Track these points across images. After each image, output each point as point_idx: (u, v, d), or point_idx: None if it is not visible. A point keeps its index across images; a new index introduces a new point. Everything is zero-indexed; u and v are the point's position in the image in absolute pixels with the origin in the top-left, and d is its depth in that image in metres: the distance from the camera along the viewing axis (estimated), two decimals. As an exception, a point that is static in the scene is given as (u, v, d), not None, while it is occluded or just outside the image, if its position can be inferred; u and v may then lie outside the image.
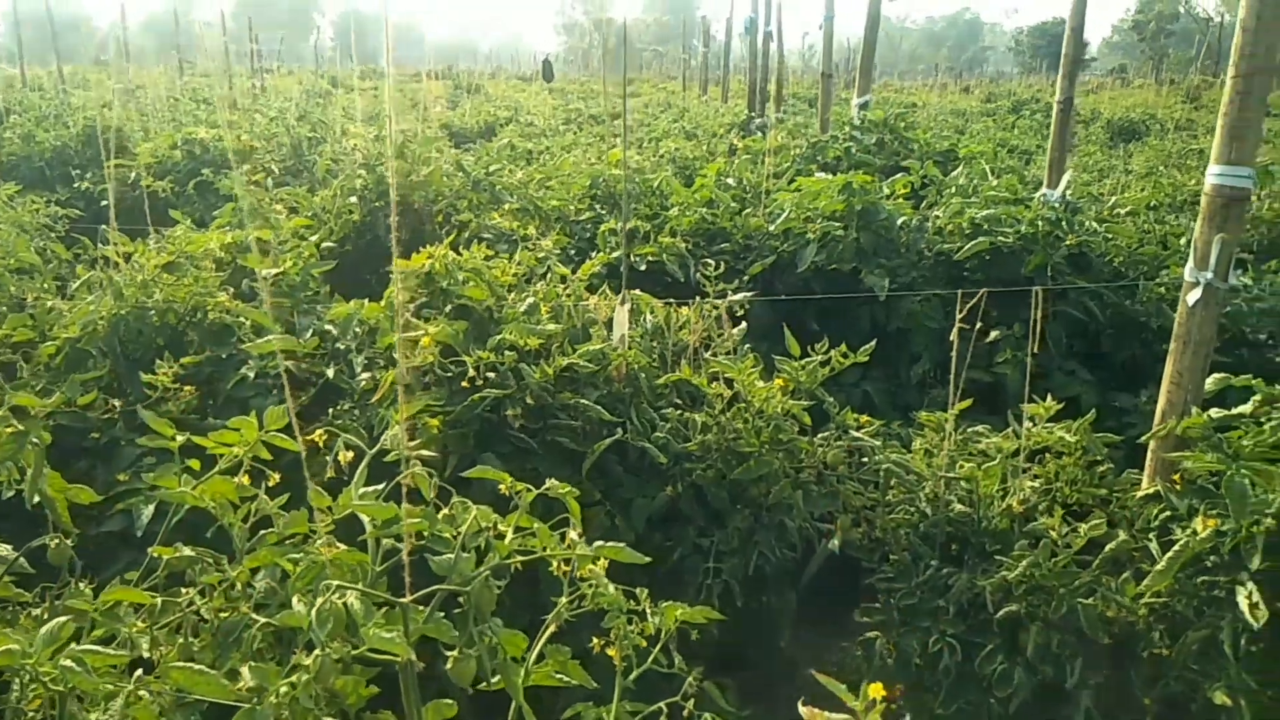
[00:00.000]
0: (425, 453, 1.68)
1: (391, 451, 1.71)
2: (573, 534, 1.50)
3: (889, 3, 5.52)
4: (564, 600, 1.67)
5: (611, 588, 1.71)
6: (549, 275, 3.09)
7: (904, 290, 3.81)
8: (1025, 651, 2.33)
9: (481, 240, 4.04)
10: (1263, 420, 2.52)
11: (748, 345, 3.02)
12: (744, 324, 3.18)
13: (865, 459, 2.73)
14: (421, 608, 1.38)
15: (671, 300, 3.16)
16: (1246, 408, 2.53)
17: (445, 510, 1.45)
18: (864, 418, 2.97)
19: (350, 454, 1.63)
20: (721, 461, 2.61)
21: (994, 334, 3.79)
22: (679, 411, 2.72)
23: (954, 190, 4.29)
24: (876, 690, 1.14)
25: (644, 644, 1.75)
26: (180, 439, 1.67)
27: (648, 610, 1.77)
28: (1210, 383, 2.66)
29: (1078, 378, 3.78)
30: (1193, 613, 2.36)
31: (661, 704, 1.61)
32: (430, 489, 1.59)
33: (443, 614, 1.44)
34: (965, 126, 11.78)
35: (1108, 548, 2.54)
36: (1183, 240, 4.12)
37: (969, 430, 2.90)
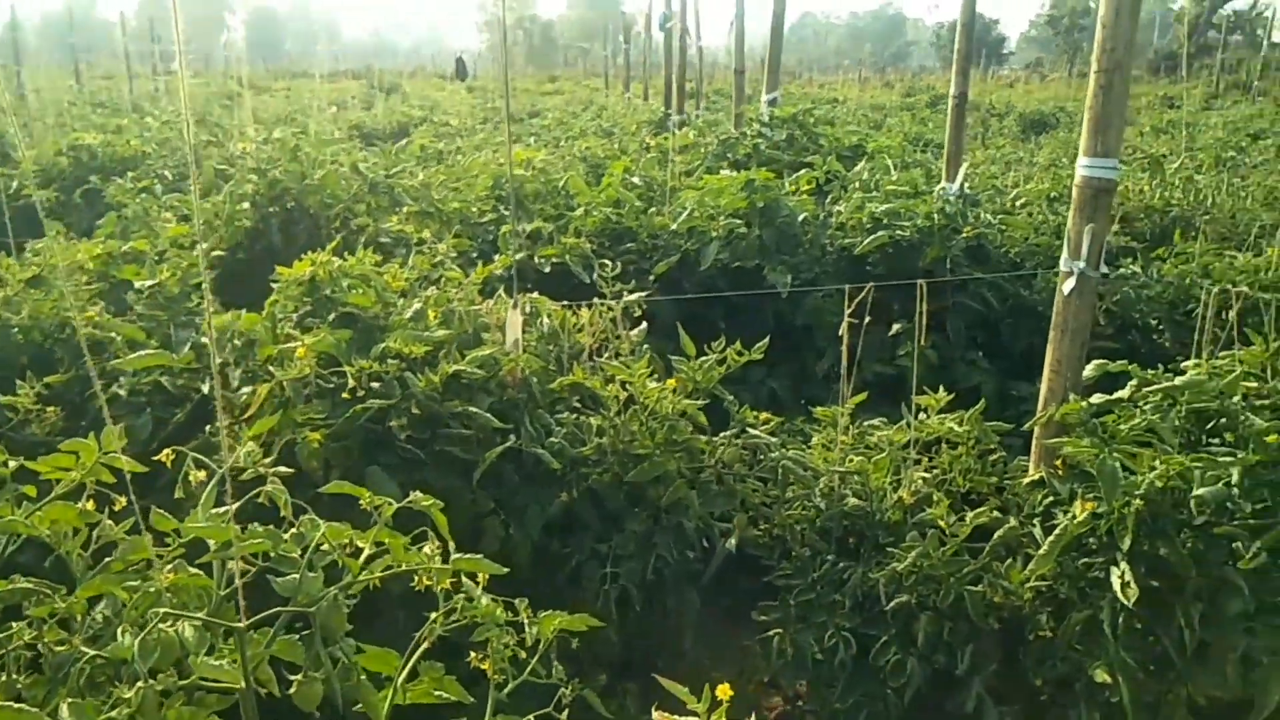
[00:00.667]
0: (281, 469, 1.62)
1: (247, 470, 1.65)
2: (429, 547, 1.45)
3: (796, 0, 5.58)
4: (436, 615, 1.63)
5: (485, 600, 1.68)
6: (442, 280, 3.03)
7: (808, 286, 3.84)
8: (918, 641, 2.36)
9: (380, 245, 3.95)
10: (1139, 404, 2.60)
11: (646, 346, 3.01)
12: (644, 324, 3.17)
13: (763, 457, 2.74)
14: (268, 631, 1.32)
15: (573, 302, 3.12)
16: (1124, 393, 2.60)
17: (296, 529, 1.39)
18: (764, 415, 2.98)
19: (202, 474, 1.56)
20: (618, 465, 2.59)
21: (896, 327, 3.85)
22: (575, 416, 2.68)
23: (857, 186, 4.35)
24: (724, 691, 1.13)
25: (525, 655, 1.72)
26: (13, 464, 1.58)
27: (526, 621, 1.74)
28: (1089, 369, 2.73)
29: (978, 367, 3.85)
30: (1076, 594, 2.42)
31: (531, 716, 1.57)
32: (286, 507, 1.54)
33: (295, 636, 1.39)
34: (883, 121, 12.00)
35: (996, 535, 2.59)
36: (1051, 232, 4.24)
37: (865, 424, 2.93)
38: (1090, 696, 2.38)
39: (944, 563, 2.36)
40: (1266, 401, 2.37)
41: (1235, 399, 2.31)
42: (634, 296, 3.00)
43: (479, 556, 1.47)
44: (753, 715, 2.81)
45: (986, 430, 2.91)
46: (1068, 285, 2.50)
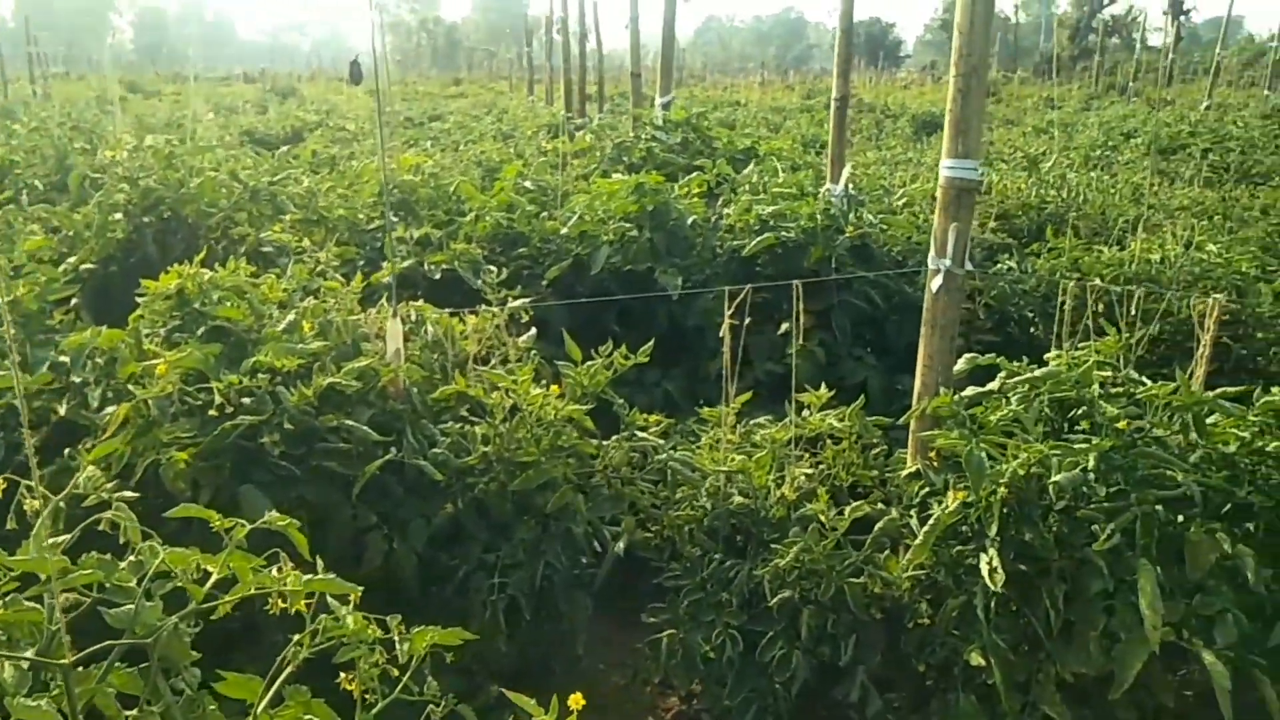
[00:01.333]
0: (126, 494, 1.55)
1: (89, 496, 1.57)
2: (284, 568, 1.41)
3: (684, 4, 5.63)
4: (301, 637, 1.59)
5: (351, 619, 1.64)
6: (321, 290, 2.96)
7: (699, 287, 3.88)
8: (802, 635, 2.41)
9: (262, 254, 3.83)
10: (1008, 395, 2.71)
11: (534, 351, 2.99)
12: (533, 330, 3.15)
13: (650, 459, 2.75)
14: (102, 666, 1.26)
15: (461, 309, 3.08)
16: (994, 384, 2.71)
17: (135, 556, 1.33)
18: (654, 417, 3.00)
19: (37, 503, 1.48)
20: (504, 473, 2.56)
21: (785, 326, 3.92)
22: (460, 425, 2.65)
23: (746, 188, 4.41)
24: (576, 701, 1.12)
25: (398, 673, 1.69)
26: None
27: (397, 638, 1.71)
28: (960, 364, 2.83)
29: (865, 363, 3.96)
30: (953, 582, 2.51)
31: (398, 736, 1.54)
32: (135, 533, 1.47)
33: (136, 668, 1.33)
34: (782, 123, 12.22)
35: (877, 526, 2.66)
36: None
37: (751, 423, 2.97)
38: (968, 679, 2.47)
39: (825, 557, 2.41)
40: (1120, 389, 2.50)
41: (1091, 388, 2.42)
42: (518, 303, 2.98)
43: (332, 576, 1.43)
44: (650, 718, 2.85)
45: (868, 425, 2.99)
46: (935, 283, 2.59)
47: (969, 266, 2.59)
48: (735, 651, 2.44)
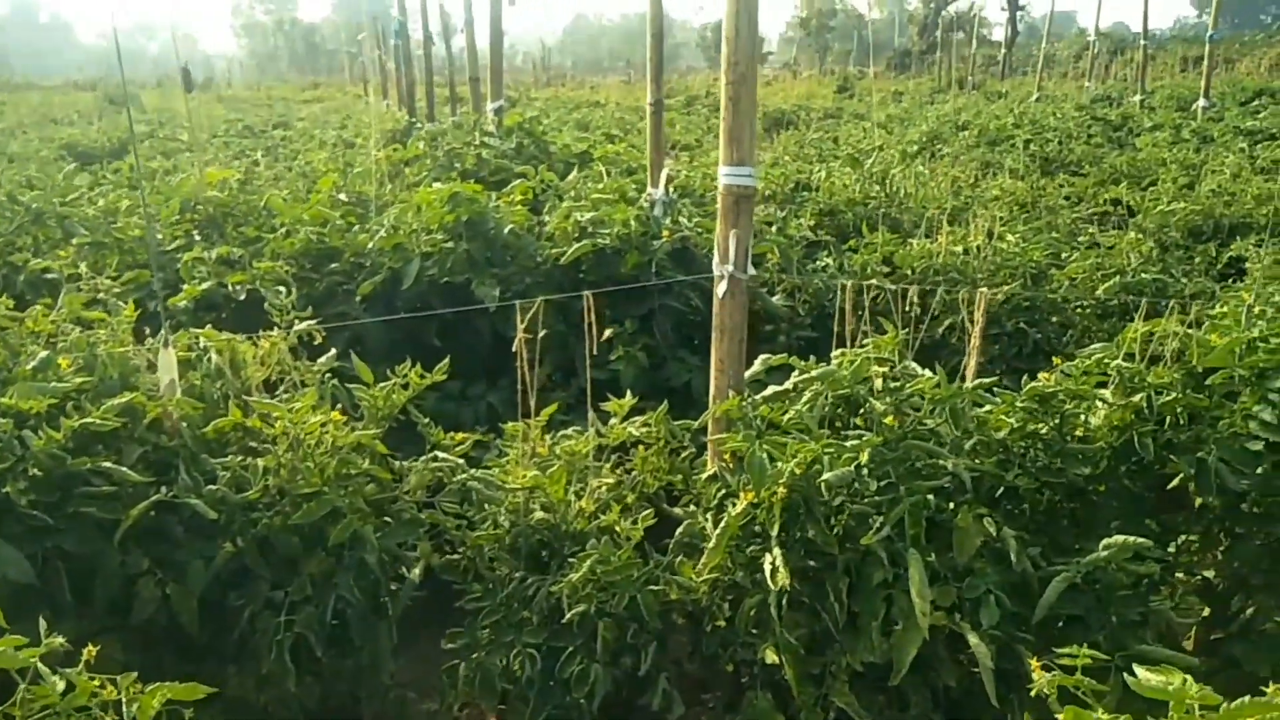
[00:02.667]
0: None
1: None
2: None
3: (509, 6, 5.57)
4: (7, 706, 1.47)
5: (61, 683, 1.53)
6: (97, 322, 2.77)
7: (519, 297, 3.83)
8: (599, 648, 2.40)
9: (47, 282, 3.58)
10: (802, 393, 2.78)
11: (330, 375, 2.88)
12: (333, 351, 3.04)
13: (448, 481, 2.70)
14: None
15: (253, 334, 2.95)
16: (789, 384, 2.78)
17: None
18: (459, 435, 2.94)
19: None
20: (290, 506, 2.46)
21: (608, 332, 3.92)
22: (241, 459, 2.53)
23: (571, 194, 4.40)
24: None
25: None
26: None
27: (124, 700, 1.61)
28: (756, 365, 2.89)
29: (688, 365, 4.00)
30: (750, 582, 2.55)
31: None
32: None
33: None
34: (636, 123, 12.30)
35: (678, 531, 2.69)
36: (773, 228, 4.48)
37: (559, 434, 2.96)
38: (766, 677, 2.52)
39: (618, 568, 2.41)
40: (896, 385, 2.60)
41: (865, 386, 2.51)
42: (304, 325, 2.86)
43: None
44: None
45: (675, 429, 3.02)
46: (720, 288, 2.63)
47: (751, 270, 2.64)
48: (535, 670, 2.41)
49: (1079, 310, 4.17)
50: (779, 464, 2.36)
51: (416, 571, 2.49)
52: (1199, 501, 2.77)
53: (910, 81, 29.34)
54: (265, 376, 2.74)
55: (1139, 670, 1.51)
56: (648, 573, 2.45)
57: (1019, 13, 42.58)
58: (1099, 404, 2.64)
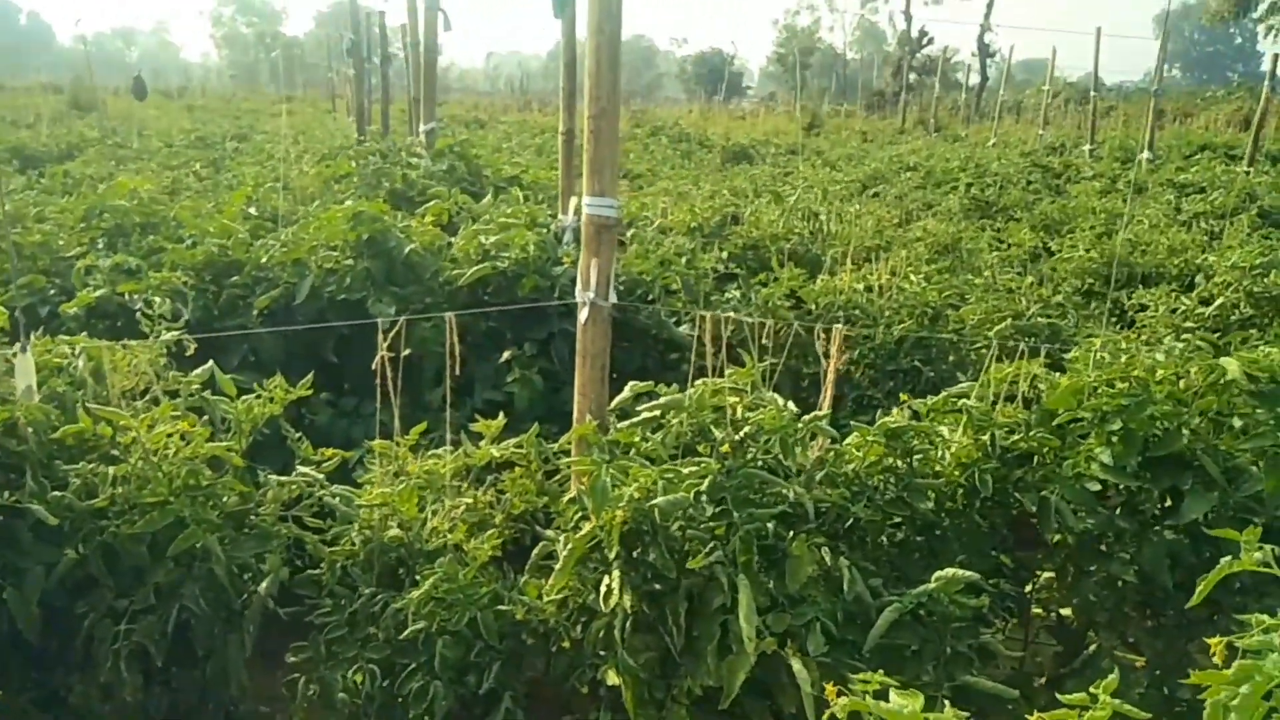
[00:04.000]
0: None
1: None
2: None
3: (445, 31, 5.64)
4: None
5: None
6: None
7: (419, 315, 3.87)
8: (437, 665, 2.42)
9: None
10: (665, 421, 2.84)
11: (201, 387, 2.90)
12: (210, 363, 3.05)
13: (309, 496, 2.72)
14: None
15: (123, 342, 2.96)
16: (655, 411, 2.83)
17: None
18: (329, 451, 2.96)
19: None
20: (139, 515, 2.47)
21: (506, 354, 3.97)
22: (93, 466, 2.53)
23: (485, 217, 4.45)
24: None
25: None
26: None
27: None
28: (626, 391, 2.95)
29: (587, 390, 4.04)
30: (600, 605, 2.59)
31: None
32: None
33: None
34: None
35: (534, 553, 2.72)
36: (683, 260, 4.56)
37: (428, 455, 2.98)
38: (612, 698, 2.55)
39: (461, 586, 2.44)
40: (754, 415, 2.66)
41: (711, 415, 2.57)
42: (171, 335, 2.88)
43: None
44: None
45: (547, 452, 3.06)
46: (582, 315, 2.68)
47: (613, 299, 2.71)
48: (375, 686, 2.43)
49: (974, 351, 4.27)
50: (622, 488, 2.41)
51: (264, 585, 2.50)
52: (1056, 539, 2.86)
53: (882, 121, 29.86)
54: (132, 386, 2.75)
55: (893, 695, 1.56)
56: (491, 592, 2.48)
57: (991, 59, 43.68)
58: (944, 440, 2.72)
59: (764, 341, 2.87)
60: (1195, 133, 17.89)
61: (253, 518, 2.61)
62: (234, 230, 3.95)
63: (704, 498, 2.41)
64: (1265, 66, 12.82)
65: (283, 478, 2.74)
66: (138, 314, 3.22)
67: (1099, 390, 2.73)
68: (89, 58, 20.28)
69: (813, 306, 4.53)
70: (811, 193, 6.80)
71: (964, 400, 2.77)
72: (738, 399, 2.66)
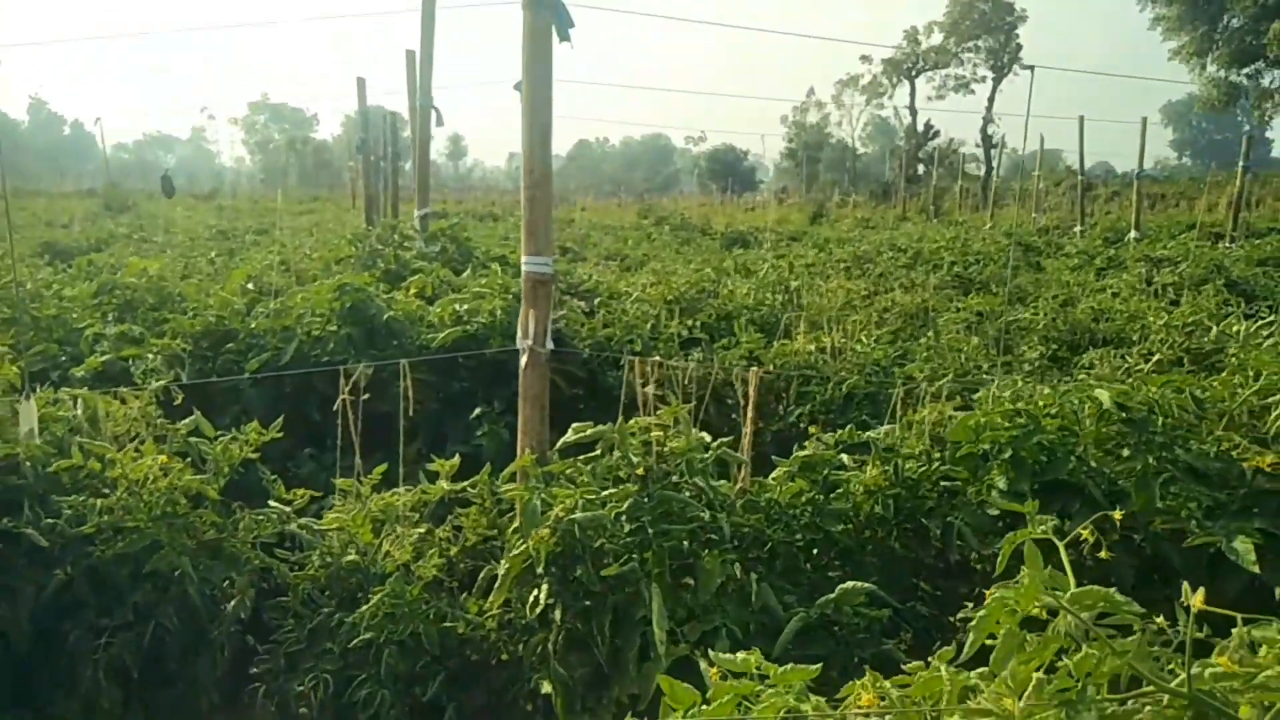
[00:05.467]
0: None
1: None
2: None
3: (438, 127, 6.15)
4: None
5: None
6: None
7: (395, 378, 4.20)
8: (383, 674, 2.66)
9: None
10: (603, 456, 3.11)
11: (186, 433, 3.22)
12: (196, 414, 3.38)
13: (280, 526, 3.00)
14: None
15: (115, 392, 3.30)
16: (584, 442, 3.12)
17: None
18: (300, 491, 3.26)
19: None
20: (121, 541, 2.76)
21: (477, 410, 4.28)
22: (84, 498, 2.84)
23: (465, 289, 4.84)
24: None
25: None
26: None
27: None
28: (570, 433, 3.24)
29: (549, 440, 4.33)
30: (538, 621, 2.82)
31: None
32: None
33: None
34: (587, 237, 12.99)
35: (481, 575, 2.98)
36: (648, 326, 4.90)
37: (388, 492, 3.27)
38: (547, 708, 2.77)
39: (407, 602, 2.70)
40: (670, 445, 2.94)
41: (638, 447, 2.85)
42: (158, 385, 3.22)
43: None
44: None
45: (497, 489, 3.34)
46: (522, 361, 3.00)
47: (550, 346, 3.03)
48: (328, 695, 2.66)
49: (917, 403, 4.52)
50: (551, 511, 2.68)
51: (232, 605, 2.76)
52: (977, 566, 3.08)
53: (887, 210, 30.64)
54: (125, 431, 3.07)
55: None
56: (435, 608, 2.73)
57: (995, 149, 44.90)
58: (853, 471, 2.98)
59: (686, 384, 3.15)
60: (1184, 214, 18.29)
61: (225, 545, 2.89)
62: (231, 302, 4.35)
63: (623, 517, 2.67)
64: (1276, 152, 13.22)
65: (255, 510, 3.03)
66: (135, 377, 3.58)
67: (994, 424, 2.98)
68: (124, 164, 21.33)
69: (770, 367, 4.83)
70: (780, 269, 7.17)
71: (869, 434, 3.03)
72: (661, 433, 2.94)
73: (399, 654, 2.68)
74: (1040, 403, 2.93)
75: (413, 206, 7.01)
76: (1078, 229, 14.99)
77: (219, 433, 3.30)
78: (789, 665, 1.68)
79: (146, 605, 2.74)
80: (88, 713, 2.79)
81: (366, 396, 3.25)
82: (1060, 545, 1.68)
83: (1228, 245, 11.14)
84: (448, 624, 2.76)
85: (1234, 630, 1.26)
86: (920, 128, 51.31)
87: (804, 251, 11.41)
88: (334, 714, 2.68)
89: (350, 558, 2.88)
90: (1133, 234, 12.90)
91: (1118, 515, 2.01)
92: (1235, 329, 4.42)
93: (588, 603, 2.75)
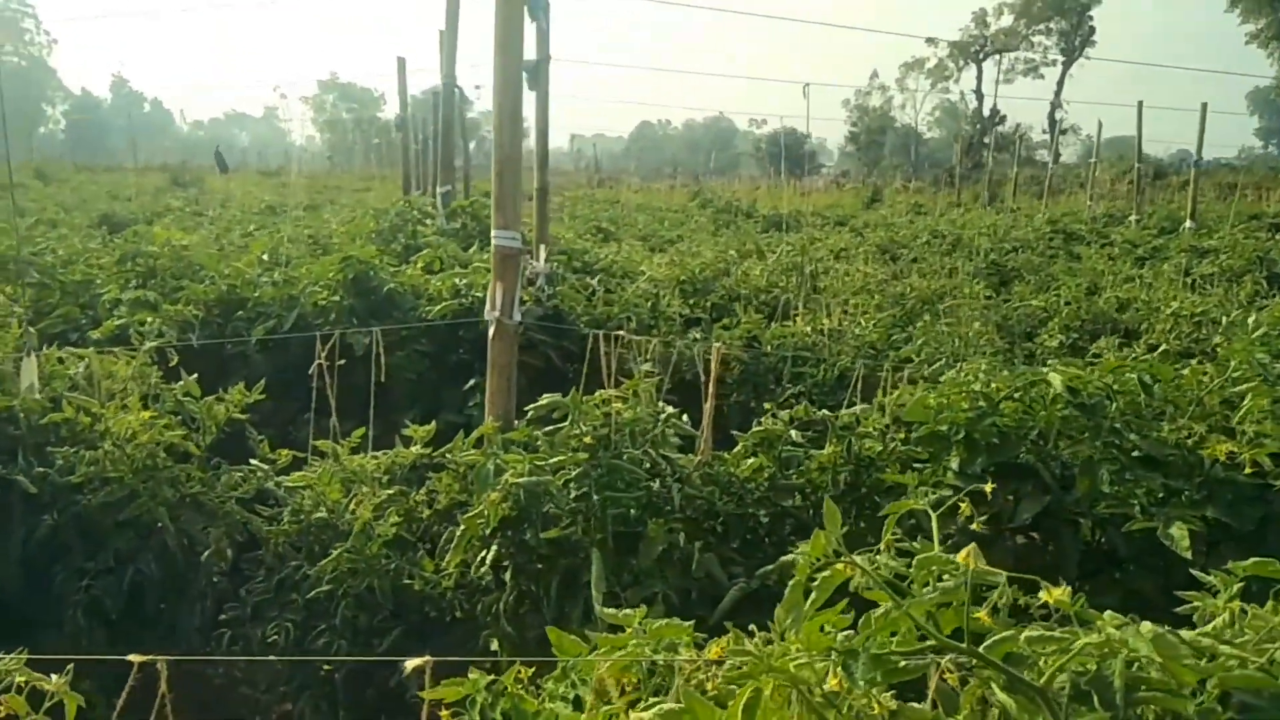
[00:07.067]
0: None
1: None
2: None
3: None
4: None
5: None
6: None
7: (396, 347, 4.35)
8: (339, 624, 2.80)
9: (-9, 312, 4.20)
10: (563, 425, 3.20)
11: (181, 389, 3.40)
12: (194, 376, 3.56)
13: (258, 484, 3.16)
14: None
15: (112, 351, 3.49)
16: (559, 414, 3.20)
17: None
18: (283, 451, 3.41)
19: None
20: (105, 490, 2.94)
21: (472, 381, 4.40)
22: (76, 449, 3.03)
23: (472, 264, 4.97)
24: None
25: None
26: None
27: None
28: (543, 400, 3.33)
29: (545, 416, 4.43)
30: (494, 582, 2.94)
31: None
32: None
33: None
34: (622, 218, 13.08)
35: (443, 538, 3.09)
36: (649, 305, 4.96)
37: (362, 455, 3.40)
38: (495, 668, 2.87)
39: (366, 557, 2.83)
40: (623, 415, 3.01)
41: (598, 417, 2.93)
42: (150, 344, 3.40)
43: None
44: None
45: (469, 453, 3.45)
46: (490, 331, 3.10)
47: (518, 318, 3.12)
48: (289, 640, 2.81)
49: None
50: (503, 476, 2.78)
51: (205, 555, 2.93)
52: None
53: (942, 196, 30.07)
54: (121, 390, 3.26)
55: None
56: (394, 563, 2.86)
57: (1063, 135, 43.66)
58: (805, 447, 3.02)
59: (647, 358, 3.22)
60: (1254, 205, 17.61)
61: (204, 499, 3.06)
62: (244, 272, 4.53)
63: (571, 484, 2.76)
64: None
65: (236, 467, 3.19)
66: (148, 340, 3.78)
67: (954, 405, 2.99)
68: (200, 141, 22.03)
69: (768, 347, 4.87)
70: (794, 253, 7.15)
71: (823, 411, 3.06)
72: (620, 404, 3.01)
73: (355, 606, 2.81)
74: (996, 386, 2.93)
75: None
76: (1133, 218, 14.56)
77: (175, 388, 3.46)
78: (665, 620, 1.75)
79: (128, 551, 2.92)
80: (74, 651, 2.99)
81: (380, 362, 3.38)
82: (933, 516, 1.71)
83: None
84: (408, 581, 2.89)
85: (1040, 594, 1.30)
86: (986, 112, 50.15)
87: (841, 236, 11.32)
88: (296, 662, 2.83)
89: (319, 514, 3.03)
90: (1188, 224, 12.51)
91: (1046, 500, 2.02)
92: (1243, 319, 4.31)
93: (540, 566, 2.85)
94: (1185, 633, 1.31)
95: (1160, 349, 4.72)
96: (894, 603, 1.23)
